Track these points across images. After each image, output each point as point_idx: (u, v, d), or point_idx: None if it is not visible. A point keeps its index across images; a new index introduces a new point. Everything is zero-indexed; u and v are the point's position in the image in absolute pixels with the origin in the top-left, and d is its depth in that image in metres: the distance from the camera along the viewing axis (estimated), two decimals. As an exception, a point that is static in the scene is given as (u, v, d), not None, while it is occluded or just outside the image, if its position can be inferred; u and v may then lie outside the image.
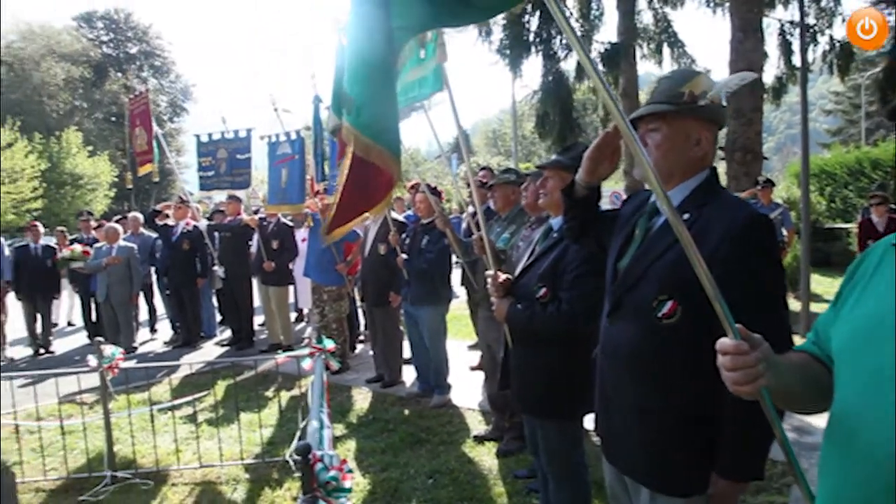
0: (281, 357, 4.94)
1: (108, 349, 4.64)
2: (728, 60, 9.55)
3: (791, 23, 11.73)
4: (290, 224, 8.58)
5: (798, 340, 1.67)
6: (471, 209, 5.84)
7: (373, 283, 6.51)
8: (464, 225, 7.07)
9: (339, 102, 6.05)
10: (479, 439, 5.00)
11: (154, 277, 9.95)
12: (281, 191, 8.00)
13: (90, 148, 39.09)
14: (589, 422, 2.58)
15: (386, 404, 6.03)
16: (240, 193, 9.18)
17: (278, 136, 8.10)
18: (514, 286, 3.12)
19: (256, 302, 9.14)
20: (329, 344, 4.48)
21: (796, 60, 11.33)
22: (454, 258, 5.97)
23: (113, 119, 47.48)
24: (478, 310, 5.42)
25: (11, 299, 9.27)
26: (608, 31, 57.50)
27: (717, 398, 1.72)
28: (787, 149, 68.82)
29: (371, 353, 7.16)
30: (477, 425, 5.38)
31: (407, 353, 6.59)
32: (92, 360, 4.60)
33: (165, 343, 9.52)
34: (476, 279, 5.17)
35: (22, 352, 9.22)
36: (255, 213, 9.68)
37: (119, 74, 49.52)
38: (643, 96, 12.77)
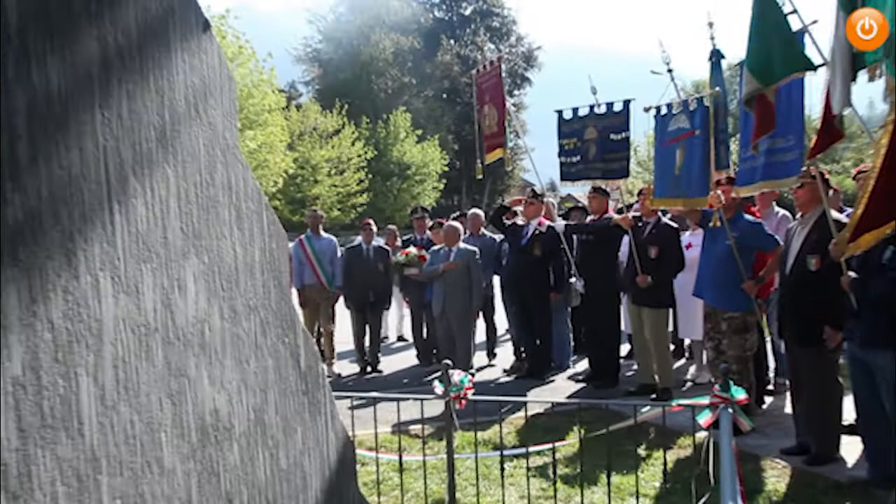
0: (673, 404, 4.88)
1: (457, 375, 4.98)
2: None
3: None
4: (675, 226, 8.46)
5: None
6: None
7: (796, 310, 6.17)
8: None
9: (785, 60, 5.76)
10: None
11: (497, 289, 10.58)
12: (673, 179, 7.71)
13: (419, 132, 43.95)
14: None
15: (815, 490, 5.62)
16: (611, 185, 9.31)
17: (670, 106, 7.83)
18: None
19: (623, 326, 9.25)
20: (740, 394, 4.36)
21: None
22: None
23: (444, 96, 52.78)
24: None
25: (340, 307, 10.51)
26: None
27: None
28: None
29: (789, 410, 6.80)
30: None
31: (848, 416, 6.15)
32: (438, 387, 4.98)
33: (506, 371, 10.12)
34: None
35: (347, 367, 10.46)
36: (627, 209, 9.33)
37: (452, 42, 54.83)
38: None
